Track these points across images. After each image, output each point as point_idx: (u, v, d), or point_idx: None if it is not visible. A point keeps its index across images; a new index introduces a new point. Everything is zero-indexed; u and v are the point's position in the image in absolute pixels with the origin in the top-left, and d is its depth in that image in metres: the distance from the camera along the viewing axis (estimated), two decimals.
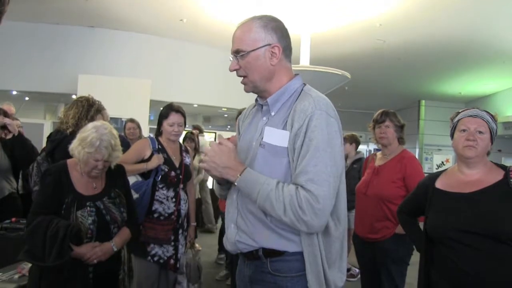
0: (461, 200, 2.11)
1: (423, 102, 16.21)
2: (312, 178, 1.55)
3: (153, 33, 9.73)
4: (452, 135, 2.27)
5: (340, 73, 7.21)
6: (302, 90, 1.76)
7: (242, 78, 1.77)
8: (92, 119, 3.27)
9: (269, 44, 1.71)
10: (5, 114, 4.08)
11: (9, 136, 3.88)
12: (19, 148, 3.89)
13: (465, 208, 2.07)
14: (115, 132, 2.57)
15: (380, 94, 14.94)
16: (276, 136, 1.68)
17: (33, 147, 3.97)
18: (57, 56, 9.32)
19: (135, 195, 3.14)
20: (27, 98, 11.52)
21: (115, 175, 2.66)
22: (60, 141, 3.26)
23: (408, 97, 15.61)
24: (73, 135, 3.38)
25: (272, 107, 1.76)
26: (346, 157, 5.78)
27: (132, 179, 3.23)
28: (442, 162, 14.17)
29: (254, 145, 1.75)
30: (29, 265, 2.43)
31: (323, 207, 1.53)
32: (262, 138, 1.72)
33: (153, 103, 9.10)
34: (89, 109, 3.37)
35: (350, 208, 2.33)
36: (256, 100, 1.88)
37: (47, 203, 2.40)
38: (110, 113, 3.95)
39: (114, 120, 8.75)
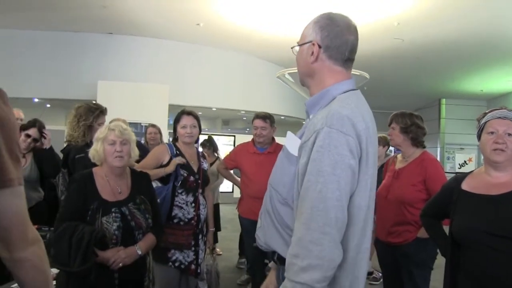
0: (489, 203, 2.05)
1: (443, 100, 15.97)
2: (316, 206, 1.39)
3: (170, 38, 9.79)
4: (479, 137, 2.20)
5: (358, 74, 7.15)
6: (335, 97, 1.60)
7: None
8: (88, 125, 3.44)
9: (311, 41, 1.67)
10: (42, 126, 4.15)
11: (46, 145, 3.97)
12: (48, 161, 3.97)
13: (492, 211, 2.01)
14: (125, 125, 2.69)
15: (400, 94, 14.78)
16: (292, 142, 1.64)
17: (59, 161, 4.04)
18: (77, 63, 9.45)
19: None
20: (48, 105, 11.68)
21: (140, 182, 2.69)
22: (66, 153, 3.37)
23: (428, 96, 15.40)
24: (69, 145, 3.50)
25: (310, 110, 1.68)
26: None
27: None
28: (465, 161, 13.95)
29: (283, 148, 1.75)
30: (56, 271, 2.46)
31: (318, 237, 1.36)
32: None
33: (171, 108, 9.15)
34: (88, 114, 3.46)
35: None
36: None
37: (73, 209, 2.44)
38: (129, 118, 4.01)
39: (134, 125, 8.83)
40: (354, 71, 7.40)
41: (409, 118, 3.32)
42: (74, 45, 9.51)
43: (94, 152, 2.60)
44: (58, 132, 9.69)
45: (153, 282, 2.85)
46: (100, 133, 2.62)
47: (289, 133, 1.70)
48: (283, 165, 1.66)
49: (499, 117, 2.10)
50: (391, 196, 3.24)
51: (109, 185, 2.56)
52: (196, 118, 3.49)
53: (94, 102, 3.52)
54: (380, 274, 5.23)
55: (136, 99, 8.41)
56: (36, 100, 10.37)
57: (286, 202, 1.61)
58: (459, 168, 13.87)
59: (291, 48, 1.77)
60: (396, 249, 3.17)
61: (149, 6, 8.01)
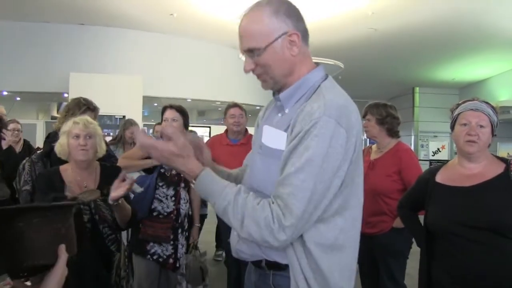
0: (462, 194, 2.08)
1: (417, 89, 16.21)
2: (295, 193, 1.35)
3: (143, 28, 9.65)
4: (452, 127, 2.23)
5: (333, 63, 7.20)
6: (319, 86, 1.52)
7: (259, 77, 1.55)
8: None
9: (286, 33, 1.48)
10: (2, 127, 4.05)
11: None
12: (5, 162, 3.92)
13: (466, 202, 2.05)
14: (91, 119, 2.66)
15: (374, 83, 14.92)
16: (274, 137, 1.52)
17: (19, 160, 3.96)
18: (48, 55, 9.24)
19: (139, 189, 3.18)
20: (18, 98, 11.43)
21: (109, 176, 2.62)
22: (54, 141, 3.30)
23: (402, 85, 15.59)
24: (55, 135, 3.43)
25: (286, 103, 1.55)
26: None
27: (135, 174, 3.29)
28: (438, 149, 14.19)
29: (257, 146, 1.60)
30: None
31: (290, 224, 1.34)
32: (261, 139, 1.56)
33: (146, 99, 9.05)
34: (75, 108, 3.40)
35: None
36: (274, 94, 1.65)
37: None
38: (103, 111, 3.96)
39: (108, 118, 8.71)
40: (328, 61, 7.46)
41: (384, 109, 3.33)
42: (45, 36, 9.30)
43: (59, 146, 2.56)
44: (30, 126, 9.52)
45: (126, 279, 2.80)
46: (65, 126, 2.57)
47: (267, 127, 1.57)
48: (268, 164, 1.51)
49: (471, 109, 2.13)
50: (366, 187, 3.20)
51: (76, 180, 2.51)
52: (180, 111, 3.46)
53: (83, 98, 3.49)
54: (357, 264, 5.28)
55: (110, 91, 8.27)
56: (5, 93, 10.13)
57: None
58: (432, 156, 14.10)
59: (250, 54, 1.50)
60: (372, 239, 3.20)
61: None
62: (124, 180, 2.35)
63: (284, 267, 1.48)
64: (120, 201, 2.39)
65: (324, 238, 1.44)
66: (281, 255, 1.48)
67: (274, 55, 1.48)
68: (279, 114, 1.58)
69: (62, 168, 2.57)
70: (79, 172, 2.55)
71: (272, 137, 1.53)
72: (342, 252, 1.49)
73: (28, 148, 5.46)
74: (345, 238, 1.49)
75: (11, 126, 5.30)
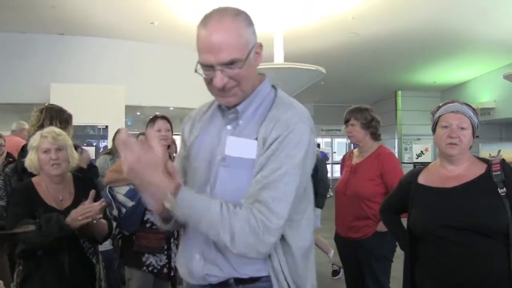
0: (444, 195, 2.09)
1: (399, 92, 16.36)
2: (279, 197, 1.37)
3: (124, 37, 9.57)
4: (433, 130, 2.23)
5: (314, 69, 7.20)
6: (276, 95, 1.56)
7: (228, 91, 1.47)
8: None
9: (255, 44, 1.48)
10: None
11: None
12: None
13: (447, 203, 2.05)
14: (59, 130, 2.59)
15: (356, 87, 15.02)
16: (241, 147, 1.48)
17: None
18: (27, 65, 9.09)
19: (130, 203, 3.16)
20: None
21: (84, 187, 2.58)
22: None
23: (384, 89, 15.73)
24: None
25: (241, 115, 1.52)
26: None
27: (125, 188, 3.23)
28: (422, 152, 14.31)
29: (218, 159, 1.52)
30: None
31: (277, 227, 1.37)
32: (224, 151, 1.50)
33: (129, 109, 8.97)
34: (41, 117, 3.22)
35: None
36: (219, 105, 1.60)
37: (21, 218, 2.31)
38: (86, 121, 3.85)
39: (91, 128, 8.61)
40: (310, 66, 7.47)
41: (368, 113, 3.34)
42: (24, 46, 9.15)
43: (30, 162, 2.46)
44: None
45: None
46: (33, 141, 2.48)
47: (230, 138, 1.50)
48: (237, 175, 1.47)
49: (452, 111, 2.13)
50: (349, 191, 3.26)
51: (51, 193, 2.46)
52: (169, 122, 3.46)
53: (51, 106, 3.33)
54: (341, 269, 5.28)
55: (92, 100, 8.18)
56: None
57: None
58: (416, 158, 14.21)
59: (227, 67, 1.42)
60: (356, 244, 3.20)
61: (101, 5, 7.81)
62: (94, 200, 2.34)
63: (256, 279, 1.48)
64: (94, 221, 2.35)
65: (304, 240, 1.51)
66: (253, 267, 1.46)
67: (250, 67, 1.47)
68: (228, 127, 1.54)
69: (35, 181, 2.49)
70: (52, 185, 2.49)
71: (240, 147, 1.48)
72: (312, 251, 1.58)
73: (13, 161, 5.34)
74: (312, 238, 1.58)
75: None
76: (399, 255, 2.88)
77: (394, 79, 14.23)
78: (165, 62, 10.15)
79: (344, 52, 10.59)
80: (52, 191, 2.47)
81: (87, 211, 2.31)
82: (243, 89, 1.48)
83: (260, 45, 1.51)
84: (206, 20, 1.46)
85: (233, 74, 1.43)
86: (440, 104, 2.26)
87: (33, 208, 2.34)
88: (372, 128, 3.32)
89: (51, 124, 3.07)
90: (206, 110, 1.70)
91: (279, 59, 7.32)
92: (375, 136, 3.35)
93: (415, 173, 2.31)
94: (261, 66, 1.61)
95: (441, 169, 2.20)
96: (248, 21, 1.48)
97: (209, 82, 1.49)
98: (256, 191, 1.39)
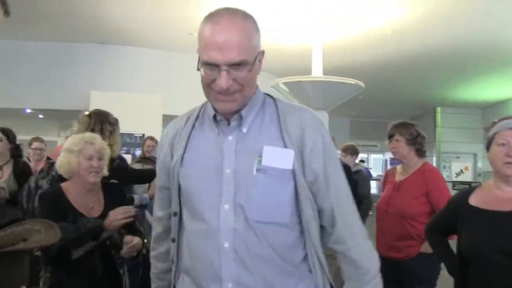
0: (500, 219, 1.94)
1: (438, 109, 15.96)
2: (355, 225, 1.50)
3: (162, 47, 9.72)
4: (487, 148, 2.09)
5: (354, 83, 7.10)
6: (274, 99, 1.52)
7: (230, 94, 1.37)
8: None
9: (260, 51, 1.42)
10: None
11: None
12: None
13: (504, 228, 1.91)
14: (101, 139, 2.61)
15: (394, 103, 14.77)
16: (278, 157, 1.38)
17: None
18: (69, 73, 9.35)
19: None
20: (41, 116, 11.58)
21: (112, 195, 2.56)
22: None
23: (423, 105, 15.39)
24: None
25: (245, 122, 1.43)
26: None
27: None
28: (461, 170, 13.85)
29: (228, 173, 1.39)
30: None
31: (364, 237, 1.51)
32: (261, 162, 1.37)
33: (165, 118, 9.06)
34: (91, 122, 3.24)
35: None
36: (215, 116, 1.46)
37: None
38: (123, 129, 3.86)
39: (128, 136, 8.73)
40: (349, 80, 7.38)
41: (413, 129, 3.23)
42: (67, 55, 9.42)
43: (66, 164, 2.42)
44: (51, 143, 9.60)
45: None
46: (73, 144, 2.45)
47: (268, 148, 1.39)
48: (272, 188, 1.39)
49: (510, 128, 2.00)
50: (392, 209, 3.13)
51: (81, 200, 2.43)
52: None
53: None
54: None
55: (130, 109, 8.29)
56: (28, 110, 10.27)
57: (284, 225, 1.42)
58: (455, 177, 13.77)
59: (234, 68, 1.33)
60: (398, 264, 3.06)
61: (140, 16, 7.95)
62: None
63: None
64: (137, 222, 2.35)
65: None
66: (298, 284, 1.45)
67: (255, 73, 1.39)
68: (230, 137, 1.43)
69: (64, 187, 2.47)
70: (83, 192, 2.46)
71: (276, 157, 1.38)
72: None
73: (51, 166, 5.44)
74: None
75: (34, 145, 5.28)
76: (442, 277, 2.74)
77: (433, 94, 13.92)
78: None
79: (383, 67, 10.43)
80: (83, 198, 2.44)
81: (128, 210, 2.34)
82: (244, 95, 1.39)
83: (263, 53, 1.44)
84: (216, 16, 1.35)
85: (239, 77, 1.33)
86: (496, 120, 2.12)
87: (64, 215, 2.32)
88: (418, 145, 3.21)
89: (101, 127, 3.11)
90: (181, 127, 1.54)
91: (317, 72, 7.24)
92: (420, 153, 3.23)
93: (465, 194, 2.17)
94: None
95: (495, 190, 2.06)
96: (256, 26, 1.41)
97: (209, 83, 1.38)
98: (342, 239, 1.46)
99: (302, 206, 1.40)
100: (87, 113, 3.33)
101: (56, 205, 2.37)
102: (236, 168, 1.39)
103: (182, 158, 1.47)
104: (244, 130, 1.42)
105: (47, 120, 12.33)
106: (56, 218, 2.28)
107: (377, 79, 11.04)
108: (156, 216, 1.64)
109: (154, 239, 1.66)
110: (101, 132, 3.04)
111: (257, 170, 1.37)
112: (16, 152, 4.17)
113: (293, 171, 1.38)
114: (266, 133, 1.42)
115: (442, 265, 2.49)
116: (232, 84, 1.33)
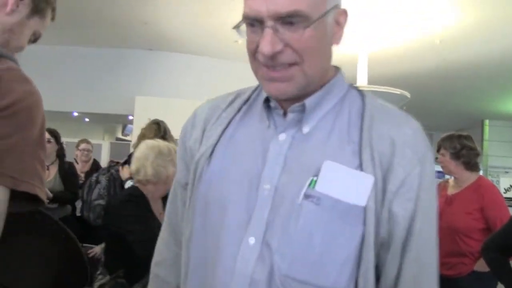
0: None
1: (486, 121, 15.40)
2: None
3: (208, 54, 9.81)
4: None
5: (399, 93, 6.97)
6: (363, 96, 1.03)
7: (283, 69, 0.92)
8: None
9: (336, 6, 0.95)
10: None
11: None
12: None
13: None
14: None
15: (440, 114, 14.37)
16: (346, 182, 0.89)
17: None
18: (116, 78, 9.57)
19: None
20: (87, 119, 11.89)
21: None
22: None
23: (470, 117, 14.91)
24: None
25: (309, 117, 0.96)
26: None
27: None
28: (510, 186, 13.36)
29: (269, 189, 0.93)
30: None
31: None
32: (315, 184, 0.89)
33: None
34: (161, 129, 3.49)
35: None
36: (268, 99, 1.03)
37: (143, 229, 2.27)
38: None
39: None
40: (394, 90, 7.26)
41: (458, 141, 3.11)
42: (114, 61, 9.65)
43: (159, 168, 2.39)
44: (96, 146, 9.82)
45: None
46: (167, 153, 2.44)
47: (330, 164, 0.90)
48: (328, 229, 0.88)
49: None
50: (443, 223, 3.01)
51: (156, 208, 2.49)
52: None
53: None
54: None
55: (173, 114, 8.33)
56: (75, 114, 10.56)
57: None
58: (504, 193, 13.28)
59: (284, 25, 0.88)
60: (449, 282, 2.94)
61: (188, 23, 8.06)
62: None
63: None
64: None
65: None
66: None
67: (323, 38, 0.92)
68: (282, 136, 0.96)
69: (141, 188, 2.50)
70: (156, 200, 2.53)
71: (342, 182, 0.89)
72: None
73: (96, 167, 5.59)
74: None
75: (81, 146, 5.46)
76: None
77: (481, 106, 13.48)
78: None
79: (430, 77, 10.17)
80: (155, 204, 2.49)
81: None
82: (306, 72, 0.92)
83: (345, 12, 0.97)
84: None
85: (293, 40, 0.87)
86: None
87: (146, 220, 2.35)
88: (464, 158, 3.08)
89: (170, 135, 3.34)
90: (223, 108, 1.16)
91: (362, 82, 7.14)
92: (469, 166, 3.10)
93: None
94: None
95: None
96: None
97: (253, 51, 0.97)
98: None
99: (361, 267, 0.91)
100: (152, 120, 3.57)
101: (143, 210, 2.42)
102: (278, 185, 0.93)
103: (213, 151, 1.04)
104: (306, 129, 0.97)
105: (93, 123, 12.63)
106: (143, 225, 2.31)
107: (423, 89, 10.78)
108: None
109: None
110: (170, 140, 3.19)
111: (306, 196, 0.89)
112: (60, 151, 4.32)
113: (365, 210, 0.89)
114: (336, 140, 0.95)
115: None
116: (283, 50, 0.90)
